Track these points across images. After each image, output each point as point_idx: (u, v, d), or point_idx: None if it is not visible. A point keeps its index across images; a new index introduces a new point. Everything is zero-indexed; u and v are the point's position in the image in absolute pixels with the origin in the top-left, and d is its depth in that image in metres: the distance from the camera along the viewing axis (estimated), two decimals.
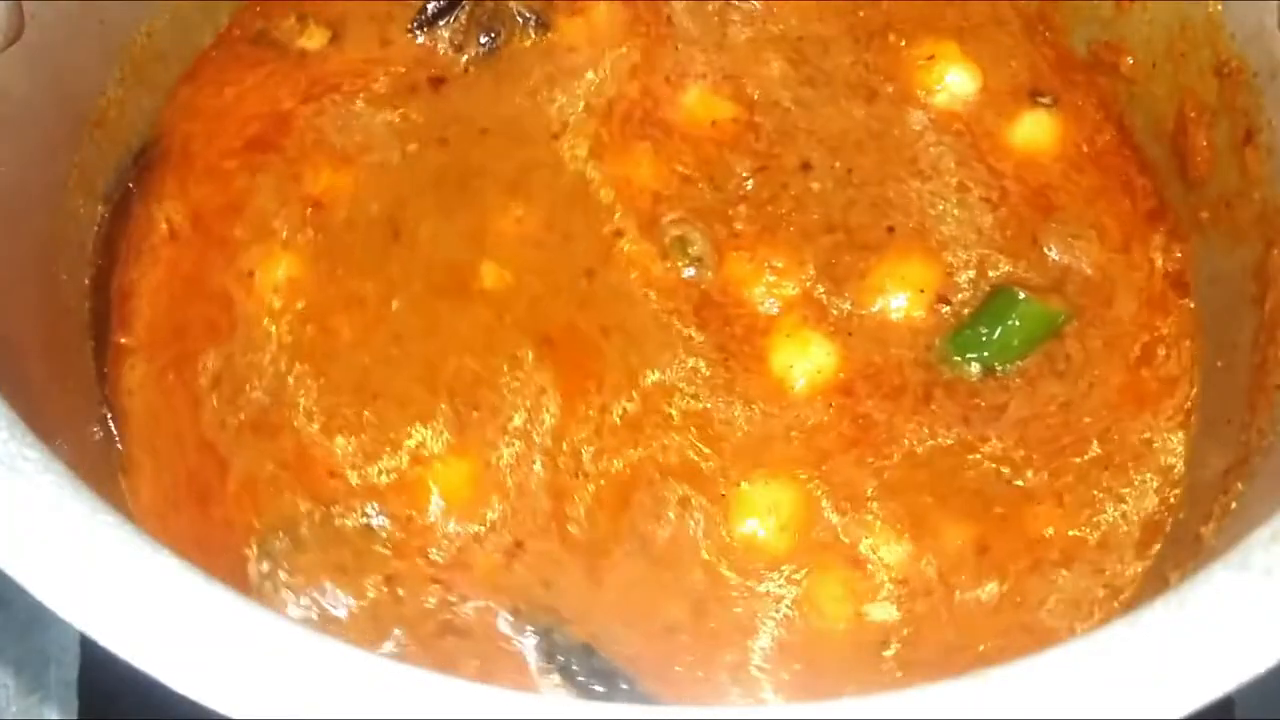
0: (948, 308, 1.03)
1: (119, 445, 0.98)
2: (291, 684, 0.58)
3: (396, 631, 0.91)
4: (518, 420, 0.97)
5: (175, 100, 1.11)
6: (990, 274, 1.04)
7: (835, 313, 1.02)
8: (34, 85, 0.92)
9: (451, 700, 0.58)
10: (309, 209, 1.06)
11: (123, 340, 1.02)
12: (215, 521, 0.96)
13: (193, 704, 0.58)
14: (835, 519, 0.95)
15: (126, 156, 1.07)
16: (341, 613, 0.92)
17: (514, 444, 0.96)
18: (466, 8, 1.13)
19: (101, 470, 0.95)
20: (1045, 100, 1.13)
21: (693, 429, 0.97)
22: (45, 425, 0.70)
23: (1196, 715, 0.59)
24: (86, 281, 1.01)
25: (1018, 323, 1.01)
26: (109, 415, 0.98)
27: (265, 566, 0.93)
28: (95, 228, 1.03)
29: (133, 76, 1.06)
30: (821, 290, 1.03)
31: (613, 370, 0.99)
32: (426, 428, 0.97)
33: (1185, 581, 0.63)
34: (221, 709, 0.58)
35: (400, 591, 0.93)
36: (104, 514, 0.63)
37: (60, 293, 0.97)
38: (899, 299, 1.03)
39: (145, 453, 0.98)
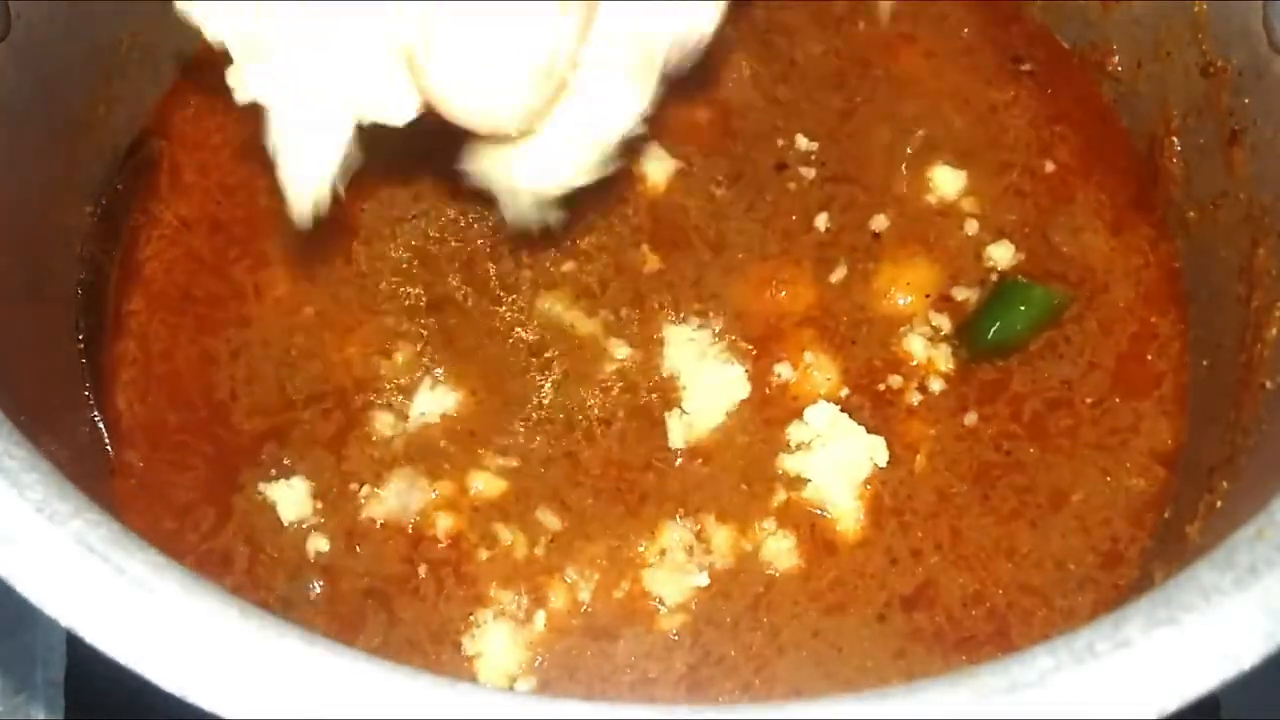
0: (960, 292, 1.04)
1: (108, 444, 0.98)
2: (279, 683, 0.58)
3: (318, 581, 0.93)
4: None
5: (166, 107, 1.11)
6: (989, 262, 1.05)
7: (837, 317, 1.03)
8: (19, 84, 0.91)
9: (443, 700, 0.58)
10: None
11: (121, 346, 1.02)
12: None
13: (180, 702, 0.58)
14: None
15: (115, 157, 1.06)
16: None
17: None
18: None
19: (89, 468, 0.95)
20: (1026, 67, 1.14)
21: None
22: (32, 424, 0.70)
23: (1182, 713, 0.59)
24: (75, 282, 1.01)
25: (1022, 308, 1.02)
26: (97, 415, 0.98)
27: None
28: (84, 228, 1.02)
29: (119, 76, 1.05)
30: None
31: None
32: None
33: (1170, 580, 0.63)
34: (209, 707, 0.58)
35: (358, 548, 0.94)
36: (90, 512, 0.63)
37: (48, 292, 0.97)
38: (905, 299, 1.04)
39: (137, 454, 0.98)
